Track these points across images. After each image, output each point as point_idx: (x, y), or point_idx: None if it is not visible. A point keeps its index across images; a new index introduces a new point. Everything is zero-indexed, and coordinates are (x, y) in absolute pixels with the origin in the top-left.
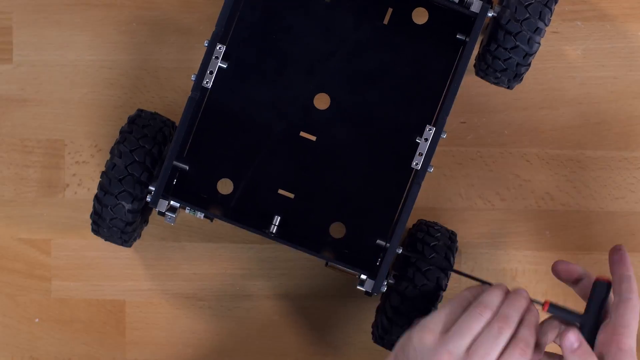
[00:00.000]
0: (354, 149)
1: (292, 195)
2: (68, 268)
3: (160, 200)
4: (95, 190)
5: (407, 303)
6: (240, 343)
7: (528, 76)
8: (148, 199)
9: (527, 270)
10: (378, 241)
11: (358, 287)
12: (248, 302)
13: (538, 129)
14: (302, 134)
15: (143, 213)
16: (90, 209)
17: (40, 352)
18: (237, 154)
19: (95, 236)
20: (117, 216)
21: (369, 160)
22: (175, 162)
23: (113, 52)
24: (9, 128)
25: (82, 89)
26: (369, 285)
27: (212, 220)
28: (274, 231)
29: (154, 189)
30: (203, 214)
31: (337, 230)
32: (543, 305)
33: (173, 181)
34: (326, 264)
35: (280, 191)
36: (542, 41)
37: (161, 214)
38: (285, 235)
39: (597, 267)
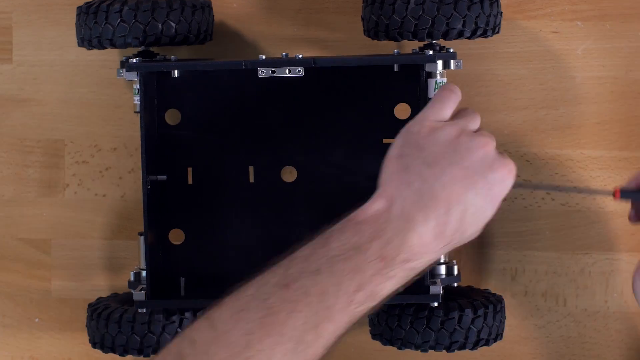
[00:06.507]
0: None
1: None
2: (68, 268)
3: None
4: (95, 191)
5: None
6: None
7: (528, 76)
8: None
9: (527, 270)
10: None
11: None
12: None
13: (538, 129)
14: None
15: None
16: (91, 209)
17: (40, 352)
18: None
19: (95, 236)
20: None
21: None
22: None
23: (113, 52)
24: (9, 128)
25: (82, 89)
26: None
27: None
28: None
29: None
30: None
31: None
32: (614, 194)
33: None
34: None
35: None
36: (543, 41)
37: None
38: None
39: (597, 267)
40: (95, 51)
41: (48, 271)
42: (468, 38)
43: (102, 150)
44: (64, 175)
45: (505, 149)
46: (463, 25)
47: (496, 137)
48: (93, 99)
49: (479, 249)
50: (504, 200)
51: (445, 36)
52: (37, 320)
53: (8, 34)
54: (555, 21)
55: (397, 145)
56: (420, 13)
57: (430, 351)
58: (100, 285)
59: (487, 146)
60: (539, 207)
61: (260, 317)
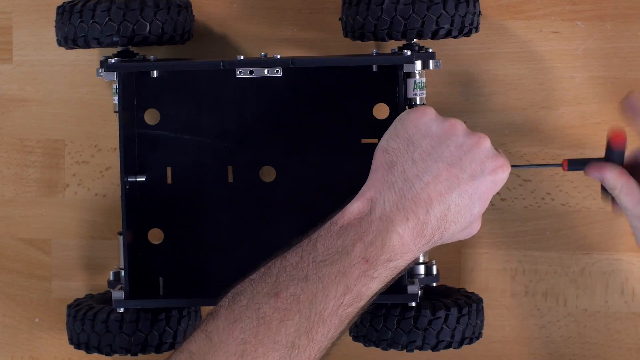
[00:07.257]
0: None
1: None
2: (68, 268)
3: None
4: (95, 190)
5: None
6: None
7: (528, 76)
8: None
9: (527, 270)
10: None
11: None
12: None
13: (538, 129)
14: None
15: None
16: (91, 209)
17: (40, 352)
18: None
19: (95, 236)
20: None
21: None
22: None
23: (113, 52)
24: (9, 128)
25: (82, 89)
26: None
27: None
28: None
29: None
30: None
31: None
32: (562, 165)
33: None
34: None
35: None
36: (543, 41)
37: None
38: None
39: (597, 267)
40: (95, 51)
41: (48, 271)
42: (443, 38)
43: (102, 150)
44: (64, 175)
45: (505, 149)
46: (437, 25)
47: (496, 137)
48: (93, 99)
49: (479, 249)
50: (504, 200)
51: (420, 36)
52: (37, 320)
53: (8, 34)
54: (555, 21)
55: (387, 136)
56: (394, 14)
57: (429, 352)
58: (100, 285)
59: (479, 145)
60: (539, 207)
61: (253, 327)
